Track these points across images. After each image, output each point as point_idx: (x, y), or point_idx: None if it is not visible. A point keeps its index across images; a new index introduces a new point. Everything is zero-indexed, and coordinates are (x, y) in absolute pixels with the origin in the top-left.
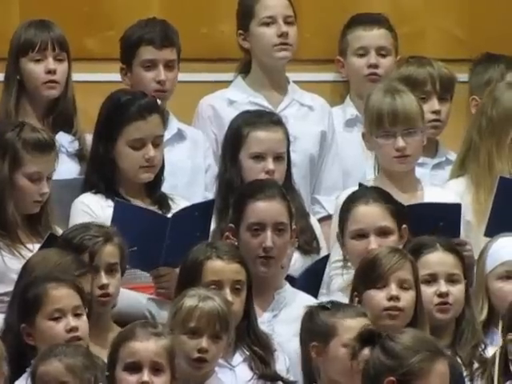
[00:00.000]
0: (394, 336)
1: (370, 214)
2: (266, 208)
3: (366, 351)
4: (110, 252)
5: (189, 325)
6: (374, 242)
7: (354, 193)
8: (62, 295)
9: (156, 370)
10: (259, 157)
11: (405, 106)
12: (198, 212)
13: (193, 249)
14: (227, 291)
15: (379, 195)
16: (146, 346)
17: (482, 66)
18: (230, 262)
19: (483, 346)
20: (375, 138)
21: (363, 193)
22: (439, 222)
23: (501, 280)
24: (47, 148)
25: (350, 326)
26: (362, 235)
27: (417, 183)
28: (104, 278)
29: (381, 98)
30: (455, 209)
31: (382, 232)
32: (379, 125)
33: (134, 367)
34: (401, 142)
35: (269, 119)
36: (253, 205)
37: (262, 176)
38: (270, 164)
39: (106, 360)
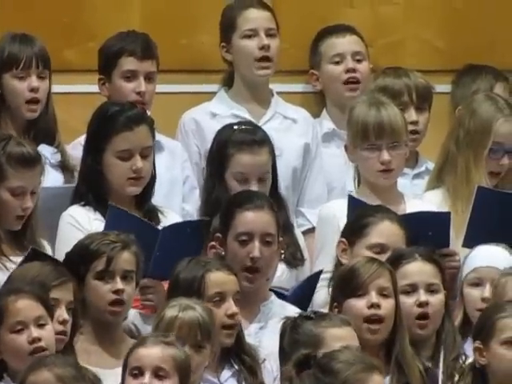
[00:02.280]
0: (330, 354)
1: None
2: (254, 218)
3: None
4: (126, 259)
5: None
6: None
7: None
8: (21, 307)
9: (159, 375)
10: (242, 179)
11: (390, 118)
12: (191, 229)
13: (179, 266)
14: (231, 302)
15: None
16: (149, 352)
17: (469, 77)
18: (229, 274)
19: (464, 358)
20: (360, 151)
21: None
22: (428, 231)
23: (471, 286)
24: (31, 163)
25: (338, 334)
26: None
27: (400, 196)
28: (119, 284)
29: (366, 111)
30: (444, 217)
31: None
32: (364, 137)
33: (138, 372)
34: (386, 156)
35: (253, 140)
36: (241, 214)
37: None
38: (253, 186)
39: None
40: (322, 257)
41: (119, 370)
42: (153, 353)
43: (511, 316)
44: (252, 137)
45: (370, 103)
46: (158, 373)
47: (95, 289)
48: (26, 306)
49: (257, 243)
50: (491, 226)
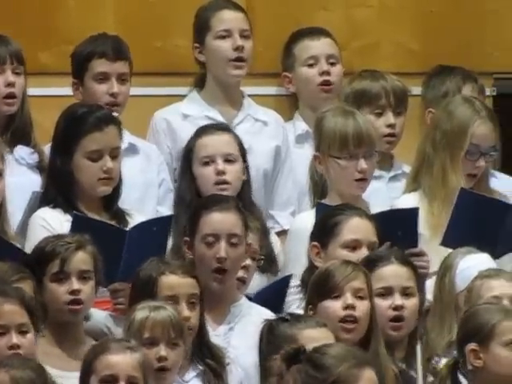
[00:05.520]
0: (320, 349)
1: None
2: (220, 219)
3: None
4: (82, 259)
5: (143, 336)
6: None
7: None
8: (6, 311)
9: (132, 383)
10: (209, 161)
11: (367, 127)
12: (157, 227)
13: (143, 265)
14: (184, 306)
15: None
16: (122, 359)
17: (439, 78)
18: (184, 277)
19: (437, 359)
20: (337, 160)
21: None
22: (397, 231)
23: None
24: None
25: (312, 336)
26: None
27: (365, 204)
28: (75, 284)
29: (342, 120)
30: (412, 214)
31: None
32: (343, 146)
33: (111, 380)
34: (364, 164)
35: (214, 127)
36: (207, 216)
37: (214, 179)
38: (219, 165)
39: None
40: (295, 270)
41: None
42: (125, 361)
43: (510, 318)
44: (214, 125)
45: (343, 112)
46: (131, 381)
47: (52, 291)
48: (11, 311)
49: (223, 244)
50: (469, 228)
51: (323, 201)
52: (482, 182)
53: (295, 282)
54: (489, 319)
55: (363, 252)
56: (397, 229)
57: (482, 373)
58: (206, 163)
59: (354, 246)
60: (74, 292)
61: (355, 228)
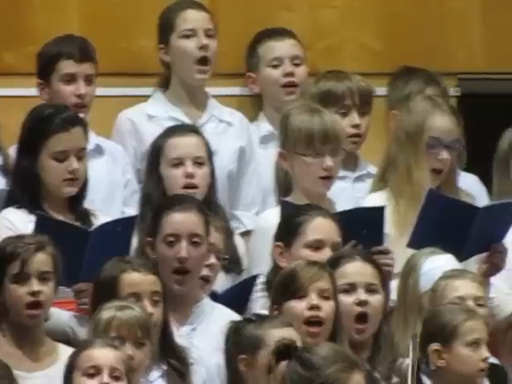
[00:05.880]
0: (310, 348)
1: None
2: (181, 219)
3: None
4: (42, 260)
5: (110, 335)
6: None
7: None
8: None
9: (115, 377)
10: (178, 163)
11: (334, 125)
12: (121, 227)
13: (105, 265)
14: (146, 303)
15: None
16: (104, 353)
17: (402, 80)
18: (146, 274)
19: (401, 360)
20: (303, 158)
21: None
22: (362, 229)
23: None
24: None
25: (278, 336)
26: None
27: (331, 204)
28: (36, 285)
29: (308, 118)
30: (378, 212)
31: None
32: (309, 144)
33: (94, 372)
34: (329, 161)
35: (184, 128)
36: (168, 216)
37: (182, 182)
38: (189, 167)
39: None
40: (260, 268)
41: (38, 373)
42: (107, 353)
43: (473, 318)
44: (184, 126)
45: (308, 110)
46: (113, 373)
47: (12, 292)
48: None
49: (184, 244)
50: (436, 230)
51: (287, 198)
52: (451, 181)
53: (260, 279)
54: (452, 319)
55: (326, 252)
56: (362, 227)
57: (445, 373)
58: (175, 165)
59: (317, 246)
60: (34, 293)
61: (318, 228)
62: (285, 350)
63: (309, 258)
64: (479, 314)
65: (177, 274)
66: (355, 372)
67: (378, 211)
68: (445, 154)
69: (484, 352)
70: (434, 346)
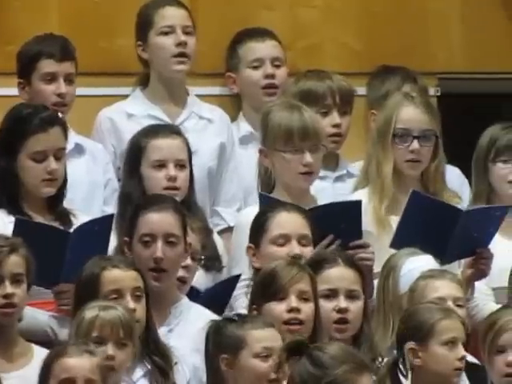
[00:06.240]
0: (321, 346)
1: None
2: (157, 219)
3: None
4: (14, 262)
5: (92, 335)
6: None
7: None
8: None
9: None
10: (160, 165)
11: (313, 122)
12: (98, 227)
13: (86, 264)
14: (128, 299)
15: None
16: (79, 363)
17: (379, 79)
18: (127, 270)
19: (380, 360)
20: (283, 154)
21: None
22: (340, 223)
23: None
24: None
25: (260, 336)
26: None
27: (313, 200)
28: (9, 288)
29: (288, 115)
30: (355, 206)
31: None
32: (288, 140)
33: (69, 383)
34: (309, 158)
35: (167, 129)
36: (144, 216)
37: (164, 184)
38: (171, 170)
39: None
40: (241, 264)
41: (14, 373)
42: (83, 364)
43: (449, 317)
44: (166, 127)
45: (288, 107)
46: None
47: None
48: None
49: (159, 244)
50: (419, 232)
51: (270, 195)
52: (438, 181)
53: (242, 276)
54: (428, 318)
55: (293, 246)
56: (340, 221)
57: (421, 372)
58: (157, 166)
59: (282, 240)
60: (7, 296)
61: (282, 223)
62: (296, 347)
63: (276, 254)
64: (457, 313)
65: (153, 272)
66: (364, 374)
67: (355, 205)
68: (415, 145)
69: (460, 351)
70: (411, 344)
